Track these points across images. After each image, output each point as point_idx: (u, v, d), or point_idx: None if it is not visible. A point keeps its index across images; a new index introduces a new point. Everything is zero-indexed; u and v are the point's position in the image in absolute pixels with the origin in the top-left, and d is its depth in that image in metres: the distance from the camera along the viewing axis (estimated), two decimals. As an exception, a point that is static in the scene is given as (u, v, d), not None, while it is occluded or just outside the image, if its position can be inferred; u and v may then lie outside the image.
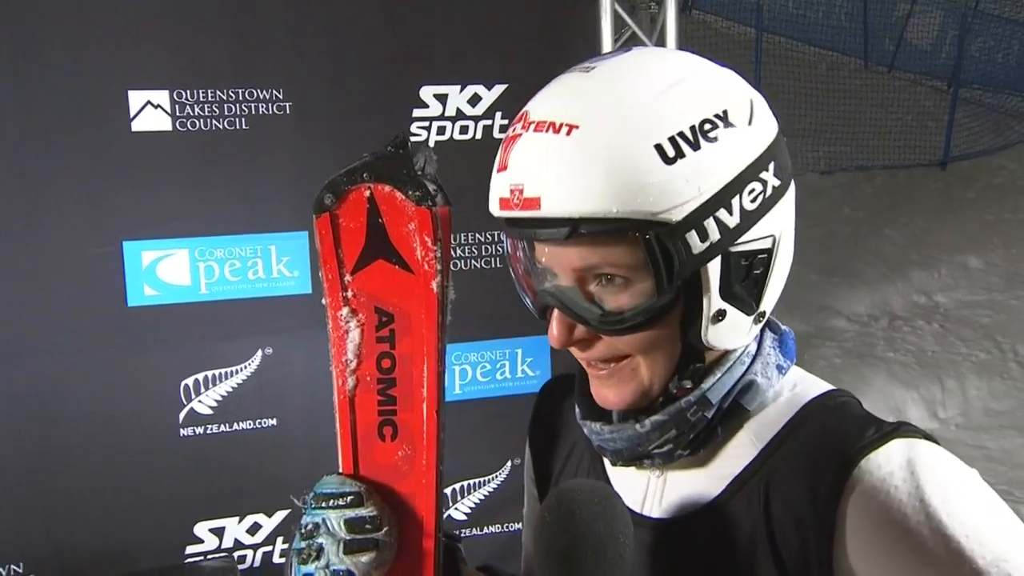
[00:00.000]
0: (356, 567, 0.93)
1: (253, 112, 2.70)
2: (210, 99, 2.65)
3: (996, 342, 7.13)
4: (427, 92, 2.84)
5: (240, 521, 2.85)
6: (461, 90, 2.87)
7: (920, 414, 6.00)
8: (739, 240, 0.86)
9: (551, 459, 1.16)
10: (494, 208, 0.89)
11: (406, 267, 0.97)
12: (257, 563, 2.90)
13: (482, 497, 3.10)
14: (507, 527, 3.09)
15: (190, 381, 2.74)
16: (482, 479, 3.10)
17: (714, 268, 0.86)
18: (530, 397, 1.23)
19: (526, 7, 2.93)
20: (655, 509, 0.98)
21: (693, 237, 0.83)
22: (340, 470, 1.01)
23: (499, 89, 2.89)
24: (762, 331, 0.96)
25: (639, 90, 0.84)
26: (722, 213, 0.84)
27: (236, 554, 2.85)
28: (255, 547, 2.89)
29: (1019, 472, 5.28)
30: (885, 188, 9.82)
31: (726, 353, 0.93)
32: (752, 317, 0.91)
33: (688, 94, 0.85)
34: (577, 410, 1.01)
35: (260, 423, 2.83)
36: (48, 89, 2.51)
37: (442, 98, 2.86)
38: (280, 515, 2.87)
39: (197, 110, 2.65)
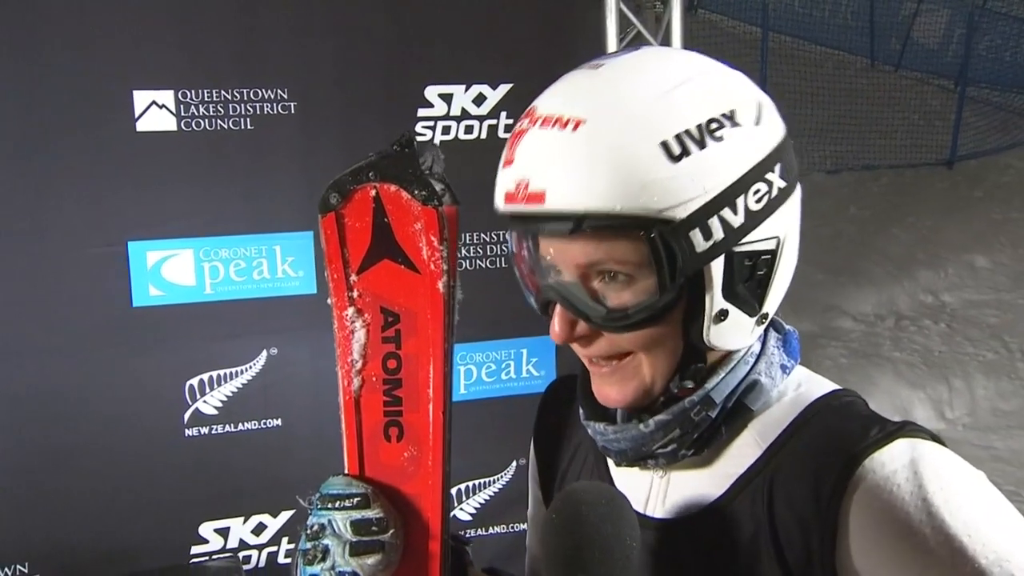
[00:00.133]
0: (362, 569, 0.93)
1: (258, 112, 2.70)
2: (215, 99, 2.65)
3: (1003, 342, 7.11)
4: (432, 92, 2.83)
5: (245, 521, 2.85)
6: (466, 90, 2.86)
7: (927, 414, 5.98)
8: (743, 240, 0.86)
9: (555, 460, 1.15)
10: (499, 202, 0.89)
11: (412, 267, 0.96)
12: (262, 563, 2.90)
13: (487, 497, 3.10)
14: (512, 527, 3.08)
15: (195, 381, 2.74)
16: (487, 479, 3.09)
17: (717, 267, 0.85)
18: (535, 397, 1.22)
19: (531, 6, 2.93)
20: (658, 509, 0.97)
21: (697, 236, 0.83)
22: (346, 471, 1.01)
23: (504, 89, 2.89)
24: (766, 331, 0.96)
25: (646, 88, 0.84)
26: (726, 212, 0.84)
27: (241, 554, 2.85)
28: (260, 547, 2.89)
29: (1027, 473, 5.26)
30: (892, 187, 9.80)
31: (729, 353, 0.93)
32: (755, 318, 0.90)
33: (695, 93, 0.85)
34: (581, 411, 1.00)
35: (265, 423, 2.82)
36: (53, 89, 2.51)
37: (447, 98, 2.85)
38: (285, 515, 2.87)
39: (202, 110, 2.64)
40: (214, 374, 2.76)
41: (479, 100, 2.89)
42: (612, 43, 3.01)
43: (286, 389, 2.81)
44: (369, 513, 0.95)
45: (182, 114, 2.63)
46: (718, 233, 0.84)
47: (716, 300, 0.87)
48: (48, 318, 2.58)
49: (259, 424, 2.82)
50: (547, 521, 0.88)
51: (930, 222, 8.90)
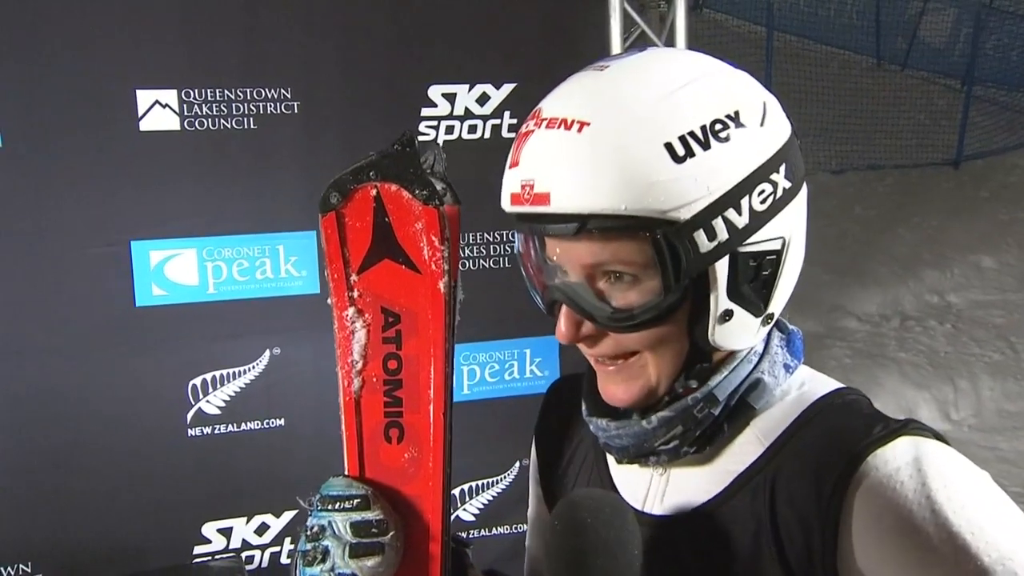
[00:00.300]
0: (361, 571, 0.93)
1: (261, 111, 2.69)
2: (218, 98, 2.65)
3: (1009, 343, 7.09)
4: (435, 91, 2.83)
5: (248, 521, 2.85)
6: (470, 89, 2.86)
7: (932, 415, 5.96)
8: (748, 241, 0.86)
9: (556, 460, 1.16)
10: (505, 203, 0.89)
11: (413, 267, 0.95)
12: (265, 563, 2.90)
13: (490, 498, 3.10)
14: (515, 528, 3.08)
15: (198, 381, 2.74)
16: (490, 480, 3.09)
17: (722, 268, 0.86)
18: (539, 398, 1.23)
19: (534, 6, 2.92)
20: (656, 507, 0.98)
21: (701, 236, 0.83)
22: (346, 472, 1.00)
23: (508, 88, 2.88)
24: (770, 331, 0.96)
25: (651, 89, 0.84)
26: (731, 213, 0.84)
27: (244, 554, 2.85)
28: (263, 547, 2.89)
29: (1033, 474, 5.24)
30: (897, 187, 9.77)
31: (733, 352, 0.93)
32: (760, 319, 0.91)
33: (700, 94, 0.85)
34: (584, 407, 1.01)
35: (268, 423, 2.82)
36: (56, 88, 2.51)
37: (450, 97, 2.85)
38: (288, 515, 2.87)
39: (205, 109, 2.64)
40: (217, 374, 2.76)
41: (483, 100, 2.88)
42: (616, 43, 3.00)
43: (289, 389, 2.81)
44: (369, 515, 0.95)
45: (185, 113, 2.63)
46: (722, 234, 0.84)
47: (721, 300, 0.87)
48: (51, 318, 2.59)
49: (262, 424, 2.82)
50: (551, 528, 0.88)
51: (936, 222, 8.88)
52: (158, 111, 2.61)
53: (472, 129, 2.89)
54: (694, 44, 3.17)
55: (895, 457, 0.82)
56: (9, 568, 2.63)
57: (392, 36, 2.80)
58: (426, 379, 0.97)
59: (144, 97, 2.59)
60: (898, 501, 0.80)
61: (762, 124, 0.87)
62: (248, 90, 2.67)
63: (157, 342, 2.68)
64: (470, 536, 3.08)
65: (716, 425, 0.92)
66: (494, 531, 3.11)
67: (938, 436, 0.86)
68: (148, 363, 2.68)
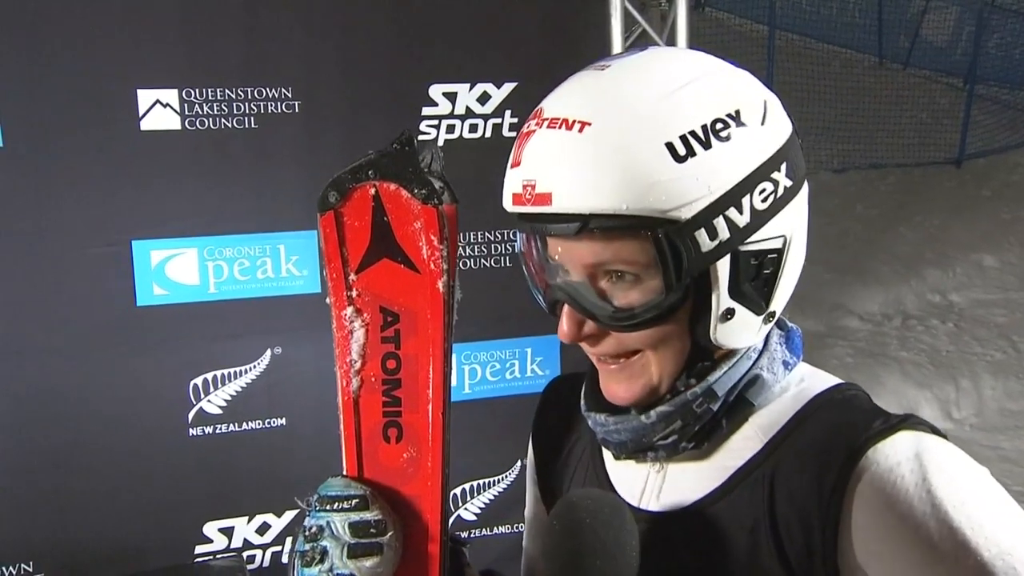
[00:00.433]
0: (360, 571, 0.93)
1: (262, 111, 2.69)
2: (219, 98, 2.65)
3: (1012, 342, 7.08)
4: (436, 90, 2.83)
5: (249, 521, 2.85)
6: (470, 88, 2.86)
7: (934, 414, 5.95)
8: (749, 239, 0.86)
9: (554, 458, 1.16)
10: (507, 203, 0.90)
11: (412, 266, 0.95)
12: (266, 563, 2.90)
13: (492, 497, 3.10)
14: (517, 528, 3.08)
15: (199, 381, 2.74)
16: (492, 479, 3.09)
17: (723, 266, 0.86)
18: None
19: (536, 5, 2.92)
20: (653, 503, 0.98)
21: (702, 235, 0.84)
22: (344, 472, 1.00)
23: (509, 87, 2.88)
24: (769, 329, 0.96)
25: (651, 89, 0.85)
26: (732, 212, 0.84)
27: (245, 554, 2.85)
28: (264, 547, 2.89)
29: (1035, 473, 5.23)
30: (899, 186, 9.76)
31: (733, 349, 0.93)
32: (762, 317, 0.91)
33: (701, 93, 0.85)
34: (583, 402, 1.01)
35: (269, 423, 2.82)
36: (57, 88, 2.51)
37: (451, 96, 2.85)
38: (289, 515, 2.87)
39: (206, 109, 2.64)
40: (218, 373, 2.76)
41: (484, 99, 2.88)
42: (617, 41, 3.00)
43: (290, 388, 2.81)
44: (368, 515, 0.95)
45: (186, 113, 2.63)
46: (723, 233, 0.84)
47: (722, 299, 0.87)
48: (52, 317, 2.59)
49: (263, 423, 2.82)
50: (548, 528, 0.88)
51: (938, 221, 8.86)
52: (159, 110, 2.61)
53: (473, 128, 2.89)
54: (695, 43, 3.17)
55: (895, 452, 0.83)
56: (11, 568, 2.63)
57: (393, 35, 2.80)
58: (425, 379, 0.97)
59: (145, 97, 2.59)
60: (898, 496, 0.80)
61: (763, 123, 0.87)
62: (249, 89, 2.67)
63: (158, 342, 2.68)
64: (471, 536, 3.08)
65: (715, 421, 0.93)
66: (495, 530, 3.11)
67: (936, 431, 0.87)
68: (149, 363, 2.69)
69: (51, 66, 2.50)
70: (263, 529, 2.88)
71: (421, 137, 2.81)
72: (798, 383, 0.96)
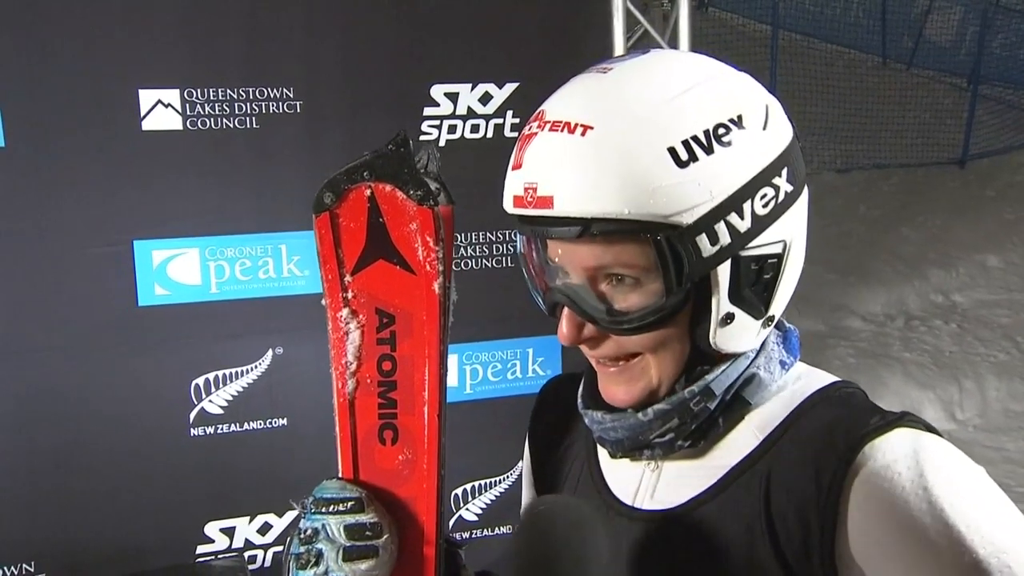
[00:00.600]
0: (355, 574, 0.92)
1: (264, 111, 2.69)
2: (221, 98, 2.65)
3: (1015, 342, 7.06)
4: (438, 91, 2.83)
5: (251, 521, 2.86)
6: (472, 88, 2.86)
7: (937, 415, 5.94)
8: (750, 244, 0.87)
9: (550, 459, 1.16)
10: (508, 205, 0.90)
11: (407, 268, 0.95)
12: (268, 563, 2.91)
13: (493, 497, 3.10)
14: (518, 528, 3.08)
15: (200, 381, 2.74)
16: (493, 479, 3.09)
17: (724, 271, 0.86)
18: (541, 397, 1.22)
19: (537, 5, 2.92)
20: (647, 502, 0.98)
21: (703, 240, 0.84)
22: (340, 474, 1.00)
23: (510, 88, 2.88)
24: None
25: (654, 93, 0.85)
26: (733, 217, 0.85)
27: (247, 554, 2.85)
28: (265, 547, 2.89)
29: (1039, 474, 5.22)
30: (902, 186, 9.74)
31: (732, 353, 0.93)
32: (761, 321, 0.91)
33: (703, 98, 0.85)
34: (580, 400, 1.01)
35: (270, 423, 2.83)
36: (58, 88, 2.52)
37: (453, 97, 2.85)
38: (291, 515, 2.87)
39: (208, 109, 2.64)
40: (219, 373, 2.77)
41: (485, 99, 2.88)
42: (619, 42, 3.00)
43: (292, 389, 2.81)
44: (363, 517, 0.95)
45: (188, 113, 2.63)
46: (724, 238, 0.84)
47: (722, 304, 0.87)
48: (54, 317, 2.59)
49: (265, 424, 2.83)
50: (516, 533, 0.89)
51: (941, 221, 8.84)
52: (160, 111, 2.61)
53: (475, 128, 2.89)
54: (698, 43, 3.16)
55: (892, 448, 0.83)
56: (12, 568, 2.63)
57: (394, 35, 2.80)
58: (420, 380, 0.97)
59: (147, 97, 2.59)
60: (895, 492, 0.80)
61: (765, 128, 0.87)
62: (250, 90, 2.67)
63: (159, 342, 2.69)
64: (472, 536, 3.08)
65: (711, 419, 0.93)
66: (497, 531, 3.11)
67: (932, 429, 0.87)
68: (150, 363, 2.69)
69: (53, 66, 2.51)
70: (264, 529, 2.88)
71: (422, 137, 2.82)
72: (795, 381, 0.96)
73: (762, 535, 0.87)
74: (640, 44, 3.14)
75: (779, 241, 0.89)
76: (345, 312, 0.97)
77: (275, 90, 2.69)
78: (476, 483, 3.07)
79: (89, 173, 2.58)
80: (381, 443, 0.98)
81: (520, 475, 3.19)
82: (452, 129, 2.87)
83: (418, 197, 0.92)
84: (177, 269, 2.69)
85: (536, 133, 0.86)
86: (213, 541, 2.83)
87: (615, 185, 0.81)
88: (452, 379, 2.95)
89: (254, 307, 2.76)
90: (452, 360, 2.96)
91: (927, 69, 11.87)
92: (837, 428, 0.87)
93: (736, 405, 0.93)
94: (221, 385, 2.77)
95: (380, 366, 0.97)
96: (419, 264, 0.94)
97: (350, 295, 0.97)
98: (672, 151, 0.82)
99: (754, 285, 0.89)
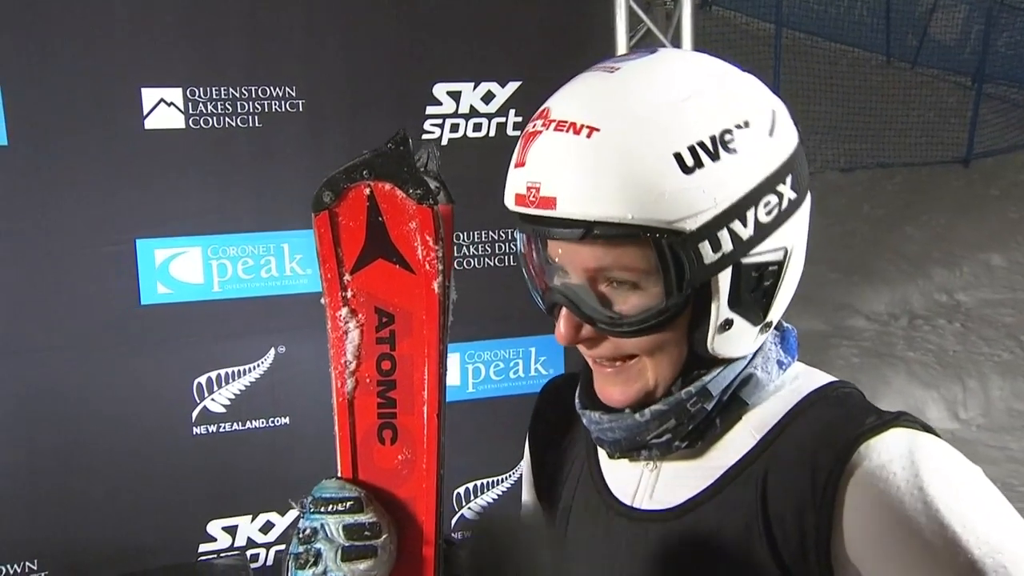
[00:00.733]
0: (354, 574, 0.92)
1: (266, 110, 2.70)
2: (223, 97, 2.66)
3: (1019, 342, 7.04)
4: (440, 89, 2.83)
5: (253, 519, 2.86)
6: (475, 87, 2.86)
7: (940, 414, 5.93)
8: (751, 251, 0.86)
9: (549, 459, 1.15)
10: (509, 202, 0.89)
11: (407, 267, 0.94)
12: (270, 562, 2.91)
13: (495, 497, 3.10)
14: (520, 527, 3.08)
15: (203, 379, 2.75)
16: (495, 479, 3.09)
17: (724, 278, 0.86)
18: (543, 396, 1.21)
19: (540, 4, 2.92)
20: (645, 502, 0.97)
21: (705, 247, 0.83)
22: (339, 474, 1.00)
23: (513, 86, 2.88)
24: None
25: (661, 95, 0.84)
26: (736, 225, 0.84)
27: (249, 552, 2.85)
28: (268, 545, 2.90)
29: (1043, 474, 5.20)
30: (906, 185, 9.72)
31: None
32: (759, 327, 0.91)
33: (710, 103, 0.84)
34: (578, 400, 1.01)
35: (273, 421, 2.83)
36: (61, 87, 2.52)
37: (455, 95, 2.84)
38: (293, 514, 2.87)
39: (210, 108, 2.65)
40: (222, 372, 2.77)
41: (488, 98, 2.88)
42: (622, 41, 2.99)
43: (294, 387, 2.81)
44: (362, 517, 0.94)
45: (190, 112, 2.64)
46: (727, 245, 0.84)
47: (722, 310, 0.87)
48: (57, 316, 2.60)
49: (267, 422, 2.83)
50: (464, 544, 0.90)
51: (945, 220, 8.82)
52: (163, 109, 2.62)
53: (477, 127, 2.89)
54: (700, 41, 3.16)
55: (888, 448, 0.82)
56: (15, 566, 2.64)
57: (397, 34, 2.80)
58: (420, 380, 0.96)
59: (149, 95, 2.60)
60: (890, 492, 0.80)
61: (771, 134, 0.87)
62: (253, 88, 2.68)
63: (162, 340, 2.69)
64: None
65: (708, 420, 0.92)
66: (499, 530, 3.11)
67: (929, 429, 0.87)
68: (153, 362, 2.70)
69: (55, 65, 2.51)
70: (266, 528, 2.88)
71: (425, 136, 2.82)
72: (792, 381, 0.95)
73: (759, 535, 0.86)
74: (643, 43, 3.14)
75: (780, 248, 0.88)
76: (344, 311, 0.97)
77: (277, 89, 2.70)
78: (478, 482, 3.07)
79: (92, 172, 2.59)
80: (380, 443, 0.98)
81: (521, 475, 3.19)
82: (455, 128, 2.87)
83: (418, 196, 0.92)
84: (179, 268, 2.69)
85: (541, 132, 0.85)
86: (215, 540, 2.83)
87: (619, 189, 0.80)
88: (454, 378, 2.95)
89: (256, 306, 2.76)
90: (454, 359, 2.96)
91: (931, 68, 11.84)
92: (833, 428, 0.86)
93: (733, 406, 0.93)
94: (223, 384, 2.77)
95: (379, 365, 0.97)
96: (418, 263, 0.94)
97: (349, 294, 0.96)
98: (678, 157, 0.81)
99: (754, 292, 0.88)
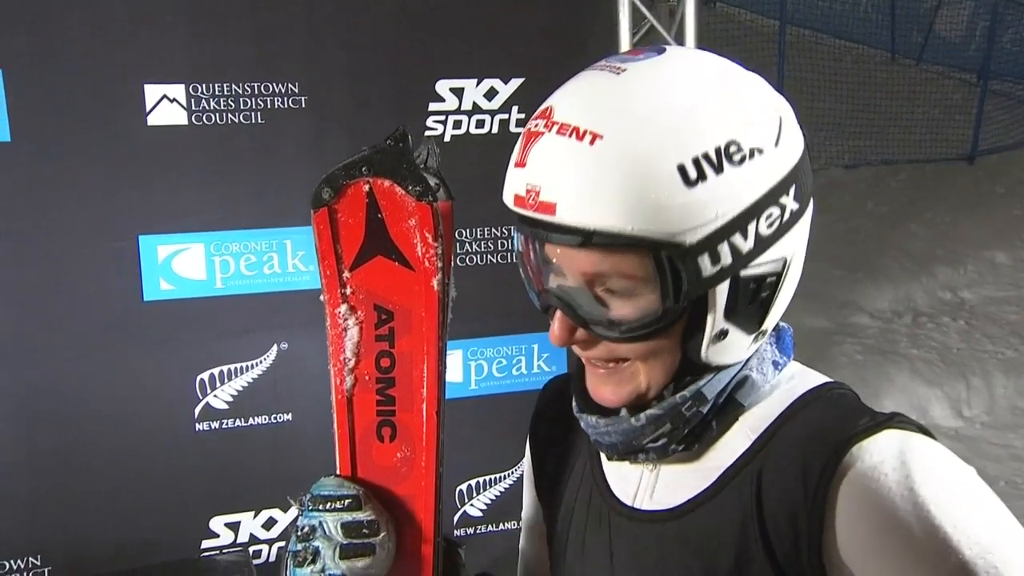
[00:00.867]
0: (352, 572, 0.93)
1: (269, 106, 2.69)
2: (226, 93, 2.65)
3: (1023, 339, 7.03)
4: (443, 86, 2.82)
5: (255, 516, 2.86)
6: (477, 84, 2.85)
7: (944, 412, 5.91)
8: (751, 264, 0.86)
9: (551, 459, 1.15)
10: (508, 200, 0.88)
11: (406, 264, 0.95)
12: (272, 558, 2.91)
13: (498, 493, 3.09)
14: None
15: (205, 376, 2.74)
16: (498, 475, 3.09)
17: (721, 290, 0.85)
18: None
19: (543, 1, 2.91)
20: (646, 502, 0.97)
21: (704, 260, 0.83)
22: (337, 471, 1.00)
23: (516, 83, 2.87)
24: None
25: (666, 104, 0.83)
26: (737, 238, 0.83)
27: (251, 549, 2.85)
28: (270, 542, 2.90)
29: (1047, 471, 5.19)
30: (911, 183, 9.69)
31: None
32: (753, 336, 0.91)
33: (716, 112, 0.83)
34: (575, 403, 1.00)
35: (275, 418, 2.83)
36: (64, 83, 2.51)
37: (458, 92, 2.84)
38: (295, 510, 2.87)
39: (213, 104, 2.64)
40: (224, 368, 2.77)
41: (490, 94, 2.87)
42: (625, 37, 2.99)
43: (296, 384, 2.81)
44: (360, 515, 0.95)
45: (193, 108, 2.63)
46: (726, 259, 0.83)
47: (718, 321, 0.87)
48: (59, 312, 2.59)
49: (269, 419, 2.83)
50: None
51: (949, 218, 8.80)
52: (166, 106, 2.61)
53: (480, 124, 2.88)
54: (704, 38, 3.15)
55: (879, 449, 0.82)
56: (19, 561, 2.64)
57: (399, 30, 2.80)
58: (419, 377, 0.97)
59: (152, 92, 2.59)
60: (881, 493, 0.80)
61: (776, 144, 0.85)
62: (256, 85, 2.67)
63: (165, 337, 2.69)
64: (477, 532, 3.08)
65: (704, 423, 0.92)
66: (501, 526, 3.11)
67: (923, 430, 0.86)
68: (155, 358, 2.69)
69: (58, 61, 2.51)
70: (269, 524, 2.88)
71: (427, 133, 2.82)
72: (788, 381, 0.95)
73: (755, 535, 0.87)
74: (646, 39, 3.13)
75: (780, 259, 0.88)
76: (343, 308, 0.97)
77: (280, 85, 2.69)
78: (480, 479, 3.07)
79: (94, 168, 2.58)
80: (379, 440, 0.98)
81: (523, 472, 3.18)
82: (457, 125, 2.86)
83: (417, 193, 0.92)
84: (182, 264, 2.69)
85: (543, 133, 0.84)
86: (218, 536, 2.83)
87: (620, 200, 0.80)
88: (457, 375, 2.95)
89: (259, 302, 2.76)
90: (457, 356, 2.96)
91: (936, 64, 11.80)
92: (826, 429, 0.86)
93: (729, 408, 0.92)
94: (226, 380, 2.77)
95: (379, 363, 0.97)
96: (418, 260, 0.94)
97: (348, 291, 0.96)
98: (682, 169, 0.80)
99: (751, 303, 0.88)
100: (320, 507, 0.95)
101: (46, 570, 2.66)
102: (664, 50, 0.89)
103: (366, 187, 0.93)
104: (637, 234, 0.80)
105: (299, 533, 0.94)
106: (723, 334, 0.88)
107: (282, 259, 2.77)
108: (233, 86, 2.65)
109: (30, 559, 2.65)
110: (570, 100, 0.86)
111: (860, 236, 8.39)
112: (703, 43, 3.16)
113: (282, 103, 2.70)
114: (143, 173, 2.61)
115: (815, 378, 0.96)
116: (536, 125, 0.85)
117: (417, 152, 0.93)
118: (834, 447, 0.83)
